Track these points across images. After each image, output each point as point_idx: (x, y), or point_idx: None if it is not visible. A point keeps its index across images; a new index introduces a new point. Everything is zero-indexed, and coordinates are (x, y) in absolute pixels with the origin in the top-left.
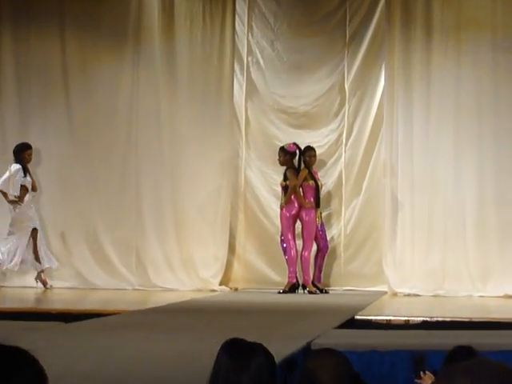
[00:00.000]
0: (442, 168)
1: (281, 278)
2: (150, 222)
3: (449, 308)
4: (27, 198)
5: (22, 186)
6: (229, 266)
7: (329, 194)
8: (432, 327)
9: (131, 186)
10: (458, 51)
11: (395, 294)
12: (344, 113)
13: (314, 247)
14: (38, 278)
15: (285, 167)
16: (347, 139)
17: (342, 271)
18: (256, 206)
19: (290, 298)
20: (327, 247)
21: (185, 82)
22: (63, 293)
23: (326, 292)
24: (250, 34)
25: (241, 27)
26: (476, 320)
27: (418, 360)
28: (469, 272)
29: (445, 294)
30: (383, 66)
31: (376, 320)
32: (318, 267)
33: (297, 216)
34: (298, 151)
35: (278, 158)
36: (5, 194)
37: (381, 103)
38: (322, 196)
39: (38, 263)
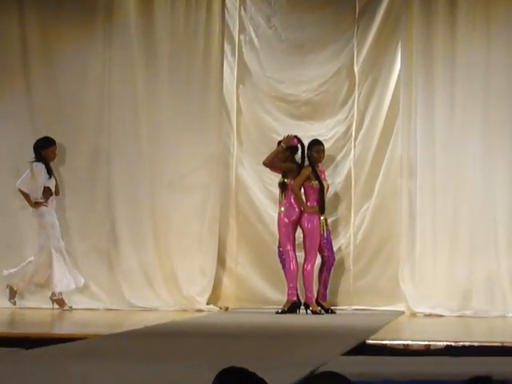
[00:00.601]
0: (469, 166)
1: (279, 296)
2: (125, 230)
3: (477, 331)
4: (50, 202)
5: (45, 187)
6: (218, 281)
7: (335, 196)
8: (457, 353)
9: (102, 186)
10: (487, 27)
11: (414, 315)
12: (353, 101)
13: (318, 259)
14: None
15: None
16: (357, 132)
17: (351, 287)
18: (249, 211)
19: (291, 319)
20: (334, 259)
21: (165, 65)
22: (22, 313)
23: (333, 312)
24: (242, 8)
25: (231, 0)
26: (509, 345)
27: None
28: (501, 288)
29: (472, 315)
30: (399, 45)
31: (391, 345)
32: (323, 283)
33: (297, 222)
34: (300, 146)
35: None
36: (27, 196)
37: (396, 89)
38: (327, 199)
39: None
